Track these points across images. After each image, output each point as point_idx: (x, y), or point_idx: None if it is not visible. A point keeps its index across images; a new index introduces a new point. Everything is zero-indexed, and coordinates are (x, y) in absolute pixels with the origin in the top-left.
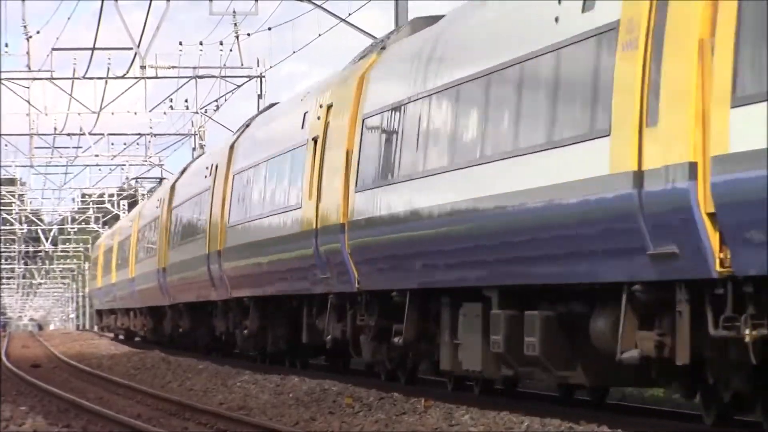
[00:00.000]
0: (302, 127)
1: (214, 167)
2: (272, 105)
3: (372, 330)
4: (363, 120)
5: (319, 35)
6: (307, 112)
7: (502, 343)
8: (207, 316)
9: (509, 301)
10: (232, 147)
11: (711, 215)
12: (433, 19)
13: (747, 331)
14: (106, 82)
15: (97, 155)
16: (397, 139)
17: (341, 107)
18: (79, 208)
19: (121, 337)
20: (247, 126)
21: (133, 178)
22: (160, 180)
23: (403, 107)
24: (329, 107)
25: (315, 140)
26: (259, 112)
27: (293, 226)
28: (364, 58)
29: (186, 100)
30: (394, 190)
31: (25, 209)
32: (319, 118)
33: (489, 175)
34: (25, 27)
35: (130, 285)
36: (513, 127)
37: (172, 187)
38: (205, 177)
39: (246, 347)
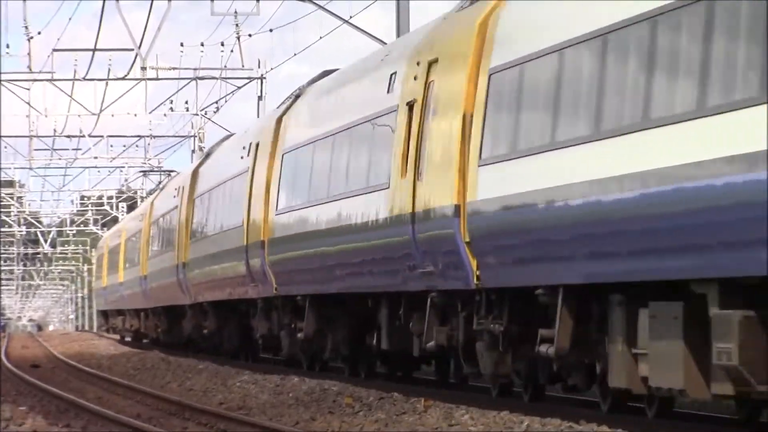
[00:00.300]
0: (389, 92)
1: (253, 146)
2: (327, 72)
3: (502, 336)
4: (490, 75)
5: (321, 38)
6: (394, 72)
7: (736, 354)
8: (238, 315)
9: (733, 299)
10: (279, 121)
11: None
12: None
13: None
14: (107, 83)
15: (96, 157)
16: (556, 95)
17: (452, 62)
18: (78, 210)
19: (128, 339)
20: (297, 97)
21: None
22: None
23: (562, 54)
24: (431, 64)
25: (410, 105)
26: (310, 81)
27: (377, 210)
28: (474, 3)
29: (186, 102)
30: (552, 158)
31: (24, 211)
32: (415, 79)
33: (711, 135)
34: (26, 28)
35: (141, 283)
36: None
37: (194, 173)
38: (242, 158)
39: (294, 352)
